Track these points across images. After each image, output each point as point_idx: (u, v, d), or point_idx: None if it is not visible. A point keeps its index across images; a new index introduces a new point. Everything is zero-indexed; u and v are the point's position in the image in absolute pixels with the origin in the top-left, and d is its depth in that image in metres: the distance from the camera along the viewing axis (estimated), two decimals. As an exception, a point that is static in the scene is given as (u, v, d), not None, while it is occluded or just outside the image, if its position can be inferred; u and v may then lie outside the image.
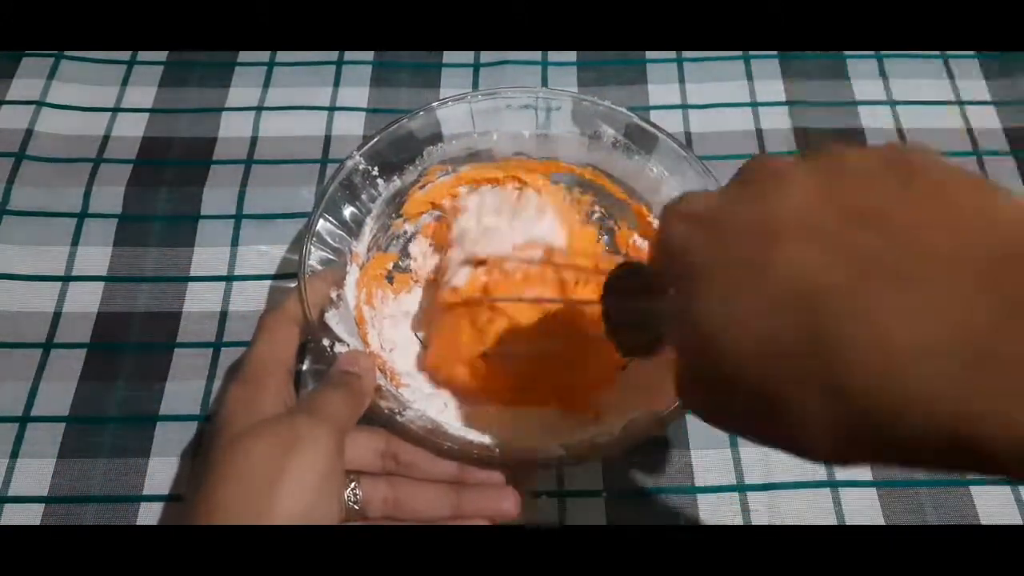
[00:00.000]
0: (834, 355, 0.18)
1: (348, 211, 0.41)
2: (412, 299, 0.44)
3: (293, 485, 0.28)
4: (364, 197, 0.42)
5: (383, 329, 0.42)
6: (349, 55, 0.55)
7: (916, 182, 0.19)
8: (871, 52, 0.54)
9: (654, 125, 0.42)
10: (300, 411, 0.31)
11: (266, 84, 0.53)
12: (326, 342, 0.36)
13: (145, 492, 0.39)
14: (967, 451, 0.17)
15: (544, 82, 0.53)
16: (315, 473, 0.29)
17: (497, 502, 0.34)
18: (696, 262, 0.21)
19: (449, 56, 0.55)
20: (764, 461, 0.40)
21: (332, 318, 0.37)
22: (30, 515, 0.38)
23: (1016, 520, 0.38)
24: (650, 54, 0.55)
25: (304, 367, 0.42)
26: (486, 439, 0.36)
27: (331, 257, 0.39)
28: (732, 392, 0.21)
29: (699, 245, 0.22)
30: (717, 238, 0.21)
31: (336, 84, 0.53)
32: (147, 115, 0.52)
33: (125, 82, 0.54)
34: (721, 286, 0.20)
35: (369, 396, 0.34)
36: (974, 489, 0.39)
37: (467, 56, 0.55)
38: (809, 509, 0.38)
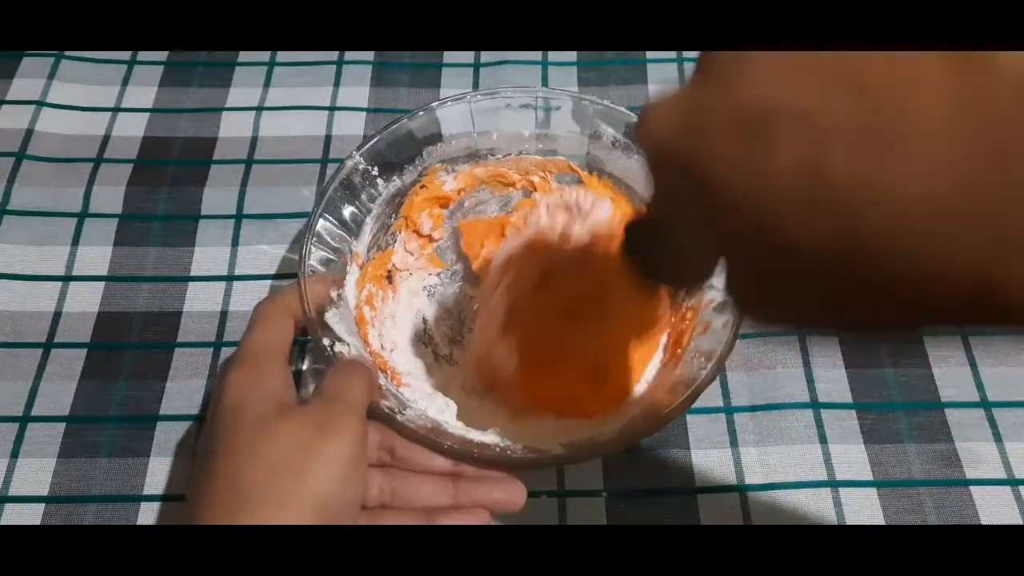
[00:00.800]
0: (847, 229, 0.17)
1: (348, 211, 0.41)
2: (412, 298, 0.44)
3: (322, 468, 0.29)
4: (364, 197, 0.42)
5: (383, 329, 0.42)
6: (349, 55, 0.55)
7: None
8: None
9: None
10: (325, 397, 0.31)
11: (266, 84, 0.53)
12: (326, 341, 0.36)
13: (146, 492, 0.39)
14: (986, 302, 0.17)
15: (544, 82, 0.53)
16: (342, 458, 0.29)
17: (496, 492, 0.34)
18: (689, 164, 0.20)
19: (449, 56, 0.55)
20: (764, 461, 0.40)
21: (332, 317, 0.37)
22: (30, 515, 0.38)
23: (1016, 520, 0.38)
24: (650, 54, 0.55)
25: (304, 367, 0.42)
26: (486, 438, 0.36)
27: (331, 257, 0.39)
28: (768, 277, 0.20)
29: (685, 145, 0.20)
30: (701, 132, 0.20)
31: (336, 84, 0.53)
32: (147, 115, 0.52)
33: (125, 82, 0.54)
34: (723, 182, 0.19)
35: (376, 388, 0.34)
36: (974, 489, 0.39)
37: (467, 56, 0.55)
38: (809, 509, 0.38)
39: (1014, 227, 0.16)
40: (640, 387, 0.40)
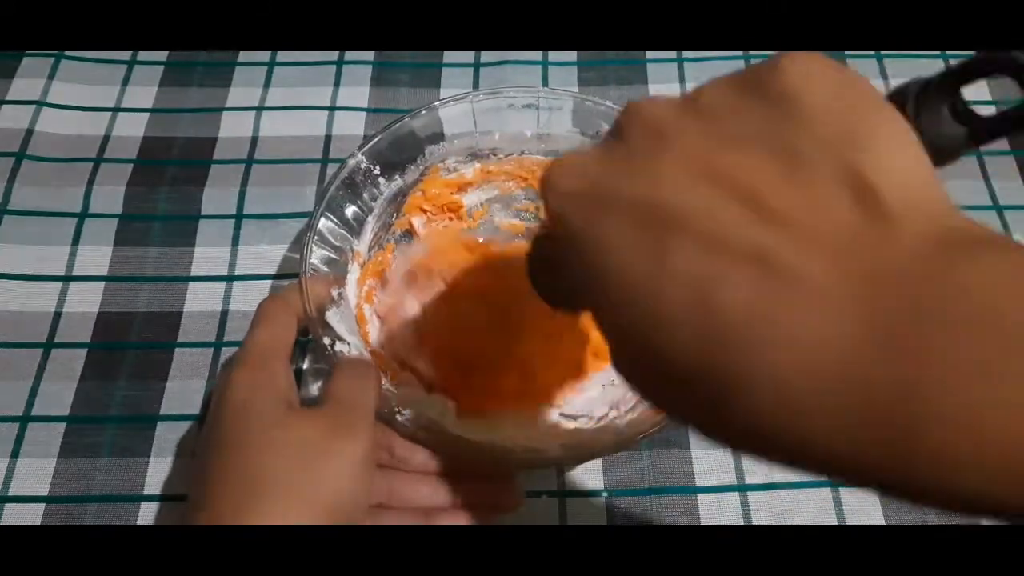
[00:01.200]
0: (729, 365, 0.16)
1: (350, 210, 0.41)
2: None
3: (335, 468, 0.29)
4: (366, 196, 0.42)
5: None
6: (349, 55, 0.55)
7: (791, 137, 0.17)
8: (871, 52, 0.54)
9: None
10: (337, 400, 0.31)
11: (266, 84, 0.53)
12: (326, 340, 0.36)
13: (146, 492, 0.39)
14: (852, 481, 0.16)
15: (544, 82, 0.53)
16: (355, 459, 0.29)
17: (495, 493, 0.34)
18: (581, 241, 0.19)
19: (449, 56, 0.55)
20: (764, 461, 0.40)
21: (333, 316, 0.37)
22: (31, 515, 0.38)
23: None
24: (650, 54, 0.55)
25: (305, 366, 0.42)
26: (484, 439, 0.36)
27: (332, 256, 0.39)
28: (638, 367, 0.19)
29: (582, 222, 0.19)
30: (599, 217, 0.19)
31: (336, 84, 0.53)
32: (147, 115, 0.52)
33: (125, 82, 0.54)
34: (610, 275, 0.18)
35: (379, 388, 0.34)
36: (974, 489, 0.39)
37: (467, 56, 0.55)
38: (809, 509, 0.39)
39: (895, 413, 0.15)
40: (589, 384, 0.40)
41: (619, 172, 0.19)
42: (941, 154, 0.29)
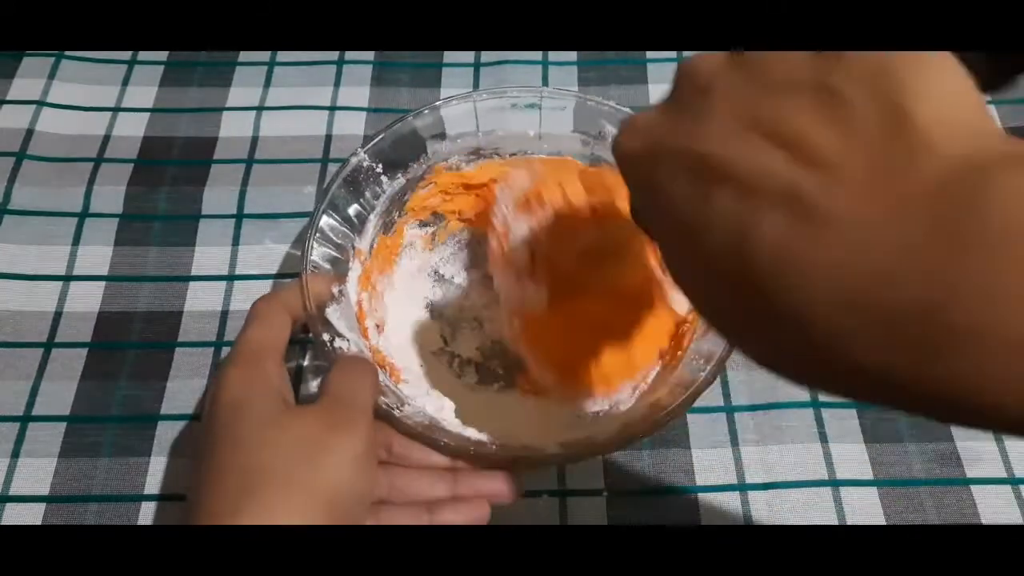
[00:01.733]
0: (766, 300, 0.17)
1: (352, 208, 0.41)
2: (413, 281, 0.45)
3: (333, 462, 0.29)
4: (368, 194, 0.42)
5: (381, 308, 0.42)
6: (350, 55, 0.55)
7: (837, 84, 0.18)
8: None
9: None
10: (333, 398, 0.31)
11: (267, 84, 0.53)
12: (326, 337, 0.36)
13: (146, 491, 0.39)
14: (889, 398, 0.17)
15: (545, 81, 0.53)
16: (353, 454, 0.29)
17: (493, 483, 0.34)
18: (642, 188, 0.22)
19: (450, 55, 0.55)
20: (764, 460, 0.40)
21: (333, 313, 0.37)
22: (31, 514, 0.38)
23: (1017, 519, 0.38)
24: (650, 54, 0.55)
25: (305, 363, 0.42)
26: (483, 436, 0.36)
27: (334, 254, 0.39)
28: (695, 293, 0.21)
29: (642, 172, 0.22)
30: (654, 167, 0.21)
31: (337, 84, 0.53)
32: (148, 115, 0.52)
33: (126, 82, 0.54)
34: (665, 218, 0.21)
35: (377, 385, 0.34)
36: (975, 488, 0.39)
37: (468, 55, 0.55)
38: (809, 508, 0.39)
39: (922, 331, 0.15)
40: (635, 383, 0.40)
41: (672, 129, 0.21)
42: None
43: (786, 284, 0.17)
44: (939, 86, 0.17)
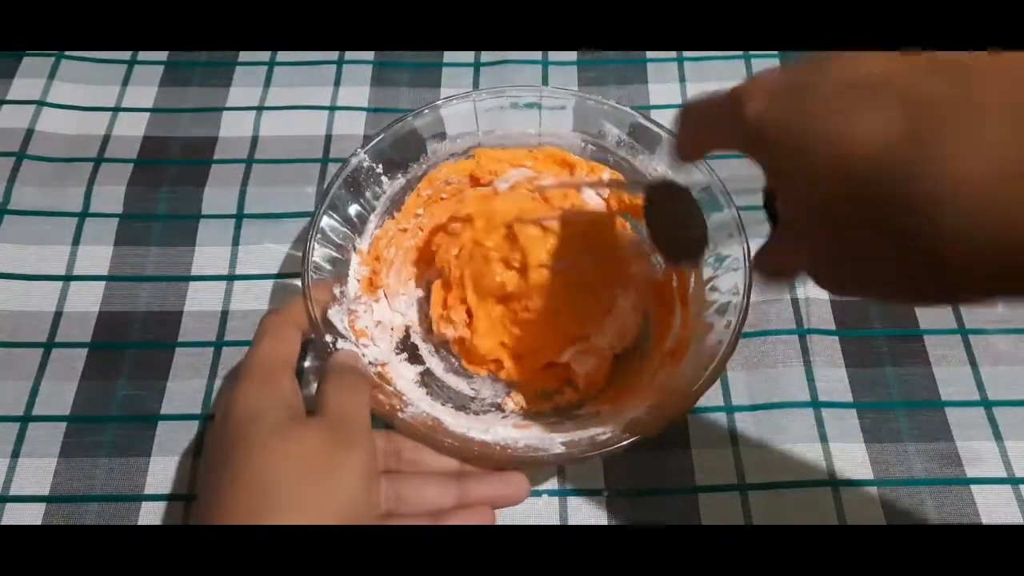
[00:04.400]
0: (923, 210, 0.19)
1: (352, 208, 0.41)
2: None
3: (344, 478, 0.29)
4: (368, 194, 0.42)
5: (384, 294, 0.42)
6: (350, 54, 0.55)
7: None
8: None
9: (657, 124, 0.42)
10: (332, 415, 0.31)
11: (267, 84, 0.53)
12: (328, 338, 0.36)
13: (147, 491, 0.39)
14: None
15: (545, 81, 0.53)
16: (361, 470, 0.30)
17: (502, 487, 0.34)
18: (787, 130, 0.22)
19: (450, 55, 0.55)
20: (765, 460, 0.40)
21: (335, 315, 0.37)
22: (31, 514, 0.38)
23: (1017, 517, 0.38)
24: (650, 53, 0.55)
25: (307, 364, 0.42)
26: (486, 436, 0.36)
27: (335, 254, 0.39)
28: (853, 245, 0.22)
29: (786, 114, 0.22)
30: (802, 106, 0.22)
31: (337, 83, 0.53)
32: (148, 115, 0.52)
33: (126, 82, 0.54)
34: (810, 155, 0.21)
35: (375, 386, 0.35)
36: (975, 488, 0.39)
37: (467, 55, 0.55)
38: (809, 508, 0.39)
39: None
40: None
41: (815, 66, 0.23)
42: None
43: (955, 162, 0.18)
44: None
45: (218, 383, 0.42)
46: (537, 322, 0.40)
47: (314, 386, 0.42)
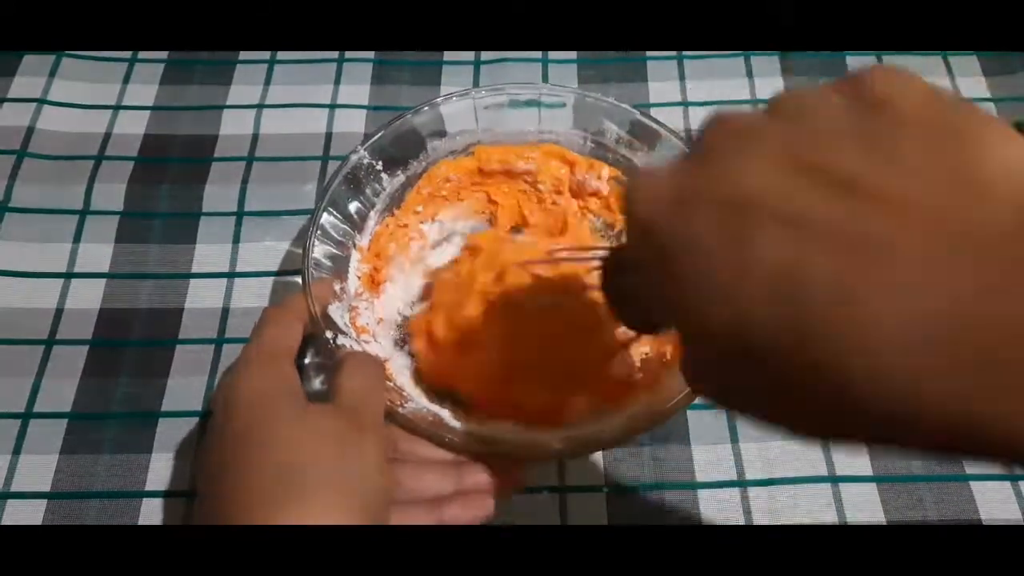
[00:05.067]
0: (820, 349, 0.17)
1: (353, 205, 0.41)
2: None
3: (366, 460, 0.29)
4: (368, 192, 0.42)
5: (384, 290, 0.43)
6: (350, 52, 0.55)
7: (886, 133, 0.18)
8: (871, 51, 0.54)
9: (657, 121, 0.42)
10: (347, 402, 0.31)
11: (267, 82, 0.53)
12: (329, 334, 0.36)
13: (148, 488, 0.39)
14: (968, 445, 0.16)
15: (545, 79, 0.53)
16: (378, 452, 0.30)
17: (499, 475, 0.34)
18: (667, 245, 0.19)
19: (450, 54, 0.55)
20: (764, 457, 0.40)
21: (335, 311, 0.37)
22: (33, 511, 0.38)
23: (1016, 515, 0.38)
24: (650, 52, 0.55)
25: (307, 360, 0.42)
26: (486, 431, 0.36)
27: (335, 251, 0.39)
28: (727, 375, 0.20)
29: (667, 227, 0.19)
30: (685, 218, 0.19)
31: (337, 81, 0.53)
32: (148, 113, 0.52)
33: (126, 80, 0.54)
34: (696, 274, 0.19)
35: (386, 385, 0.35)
36: (974, 484, 0.39)
37: (468, 53, 0.55)
38: (809, 504, 0.39)
39: (1003, 367, 0.15)
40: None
41: (703, 175, 0.19)
42: None
43: (848, 320, 0.16)
44: (1004, 150, 0.17)
45: (219, 380, 0.42)
46: (508, 363, 0.38)
47: (315, 382, 0.42)
